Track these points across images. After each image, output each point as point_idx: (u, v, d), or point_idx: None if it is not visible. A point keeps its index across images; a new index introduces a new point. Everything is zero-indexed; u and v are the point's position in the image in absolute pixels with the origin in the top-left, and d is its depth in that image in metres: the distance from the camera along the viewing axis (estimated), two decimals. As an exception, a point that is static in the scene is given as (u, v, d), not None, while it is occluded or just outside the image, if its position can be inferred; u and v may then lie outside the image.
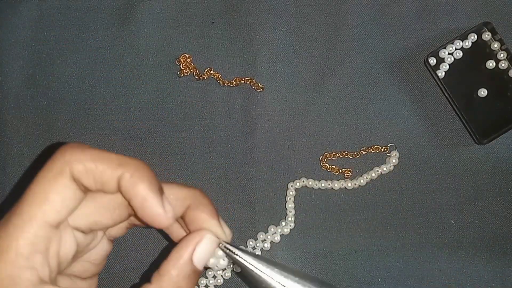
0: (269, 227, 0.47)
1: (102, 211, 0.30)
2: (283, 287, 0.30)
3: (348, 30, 0.48)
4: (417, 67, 0.48)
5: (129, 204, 0.29)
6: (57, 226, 0.28)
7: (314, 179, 0.47)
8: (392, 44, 0.48)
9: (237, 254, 0.31)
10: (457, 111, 0.46)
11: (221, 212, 0.47)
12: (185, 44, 0.49)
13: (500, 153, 0.47)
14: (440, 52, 0.47)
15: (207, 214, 0.31)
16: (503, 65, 0.46)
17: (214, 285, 0.47)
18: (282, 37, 0.48)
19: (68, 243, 0.29)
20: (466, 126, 0.46)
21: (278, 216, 0.47)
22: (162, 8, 0.49)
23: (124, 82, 0.49)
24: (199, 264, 0.30)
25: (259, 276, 0.31)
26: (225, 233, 0.31)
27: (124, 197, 0.29)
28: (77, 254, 0.30)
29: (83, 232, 0.30)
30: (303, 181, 0.47)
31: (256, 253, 0.36)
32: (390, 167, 0.47)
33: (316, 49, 0.48)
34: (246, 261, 0.31)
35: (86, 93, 0.49)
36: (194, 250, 0.30)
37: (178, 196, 0.31)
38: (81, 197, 0.29)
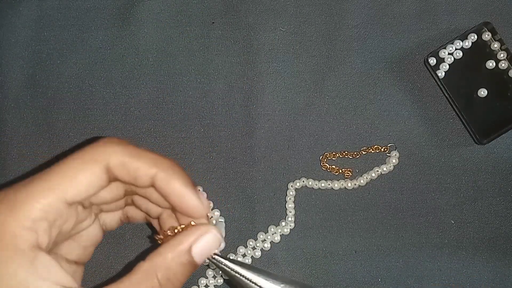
0: (269, 227, 0.47)
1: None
2: None
3: (348, 30, 0.48)
4: (417, 67, 0.48)
5: (165, 199, 0.31)
6: (71, 204, 0.29)
7: (314, 179, 0.47)
8: (392, 44, 0.48)
9: (224, 264, 0.32)
10: (457, 111, 0.46)
11: (221, 212, 0.47)
12: (185, 44, 0.49)
13: (500, 153, 0.47)
14: (440, 52, 0.47)
15: (182, 183, 0.31)
16: (503, 65, 0.46)
17: (214, 285, 0.47)
18: (282, 37, 0.48)
19: (70, 218, 0.30)
20: (466, 126, 0.46)
21: (278, 216, 0.47)
22: (162, 8, 0.49)
23: (124, 82, 0.49)
24: (196, 256, 0.31)
25: (246, 283, 0.31)
26: (205, 204, 0.32)
27: (159, 193, 0.31)
28: (70, 231, 0.31)
29: (82, 206, 0.31)
30: (303, 181, 0.47)
31: (243, 262, 0.36)
32: (390, 167, 0.47)
33: (316, 49, 0.48)
34: (233, 269, 0.32)
35: (86, 93, 0.49)
36: (195, 241, 0.31)
37: (146, 162, 0.31)
38: (105, 185, 0.30)
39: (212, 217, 0.33)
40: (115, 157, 0.30)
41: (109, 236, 0.47)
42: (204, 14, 0.49)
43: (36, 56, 0.49)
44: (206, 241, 0.31)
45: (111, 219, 0.35)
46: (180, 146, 0.48)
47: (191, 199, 0.31)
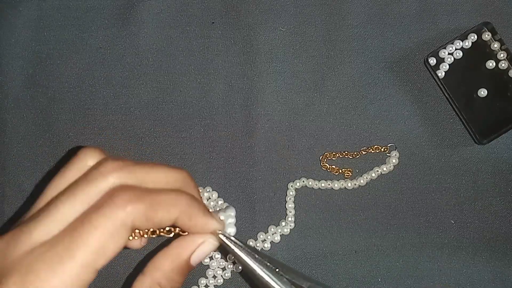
0: (269, 227, 0.47)
1: None
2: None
3: (348, 30, 0.48)
4: (417, 67, 0.48)
5: (184, 229, 0.31)
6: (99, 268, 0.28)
7: (314, 179, 0.47)
8: (392, 44, 0.48)
9: (238, 254, 0.31)
10: (457, 111, 0.46)
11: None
12: (185, 44, 0.49)
13: (500, 153, 0.47)
14: (440, 52, 0.47)
15: (202, 214, 0.31)
16: (503, 65, 0.46)
17: (214, 285, 0.47)
18: (282, 37, 0.48)
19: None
20: (466, 126, 0.46)
21: (278, 216, 0.47)
22: (162, 8, 0.49)
23: (124, 82, 0.49)
24: (195, 263, 0.31)
25: (260, 276, 0.31)
26: (220, 223, 0.32)
27: (181, 227, 0.31)
28: None
29: None
30: (303, 181, 0.47)
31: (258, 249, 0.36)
32: (390, 167, 0.47)
33: (316, 49, 0.48)
34: (246, 261, 0.31)
35: (86, 93, 0.49)
36: (194, 249, 0.31)
37: (168, 180, 0.31)
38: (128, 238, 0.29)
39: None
40: (137, 212, 0.28)
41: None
42: (204, 14, 0.49)
43: (36, 56, 0.49)
44: (204, 250, 0.31)
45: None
46: (180, 146, 0.48)
47: (210, 223, 0.31)
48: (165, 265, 0.30)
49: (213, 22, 0.49)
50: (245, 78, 0.48)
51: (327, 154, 0.48)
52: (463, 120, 0.46)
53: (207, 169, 0.48)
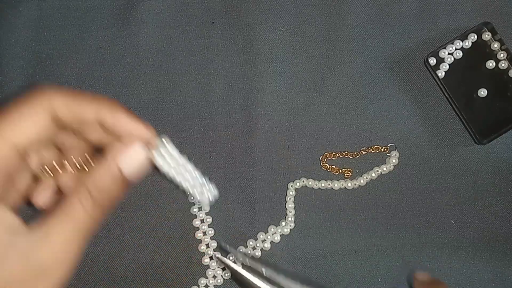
0: (269, 227, 0.47)
1: None
2: None
3: (348, 30, 0.48)
4: (417, 67, 0.48)
5: (112, 130, 0.32)
6: (20, 150, 0.30)
7: (314, 179, 0.47)
8: (392, 44, 0.48)
9: (228, 265, 0.32)
10: (457, 111, 0.46)
11: (221, 212, 0.47)
12: (185, 44, 0.49)
13: (500, 153, 0.47)
14: (440, 52, 0.47)
15: (126, 112, 0.32)
16: (503, 65, 0.46)
17: (214, 285, 0.47)
18: (282, 37, 0.48)
19: (17, 164, 0.31)
20: (466, 126, 0.46)
21: (278, 216, 0.47)
22: (162, 8, 0.49)
23: (124, 82, 0.49)
24: (128, 173, 0.31)
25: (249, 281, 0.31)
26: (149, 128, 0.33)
27: (105, 125, 0.32)
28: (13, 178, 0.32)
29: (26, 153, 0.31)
30: (303, 181, 0.47)
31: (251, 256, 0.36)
32: (390, 167, 0.47)
33: (316, 49, 0.48)
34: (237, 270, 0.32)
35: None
36: (121, 152, 0.31)
37: (89, 100, 0.32)
38: (52, 133, 0.31)
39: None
40: (58, 99, 0.30)
41: (109, 236, 0.47)
42: (204, 14, 0.49)
43: (36, 56, 0.49)
44: (132, 153, 0.32)
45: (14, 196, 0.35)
46: (180, 146, 0.48)
47: (137, 123, 0.32)
48: (97, 175, 0.30)
49: (213, 22, 0.49)
50: (245, 78, 0.48)
51: (327, 154, 0.48)
52: (463, 120, 0.46)
53: (207, 169, 0.48)
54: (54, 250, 0.28)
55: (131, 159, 0.31)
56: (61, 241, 0.28)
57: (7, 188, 0.31)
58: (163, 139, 0.33)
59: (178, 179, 0.35)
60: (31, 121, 0.30)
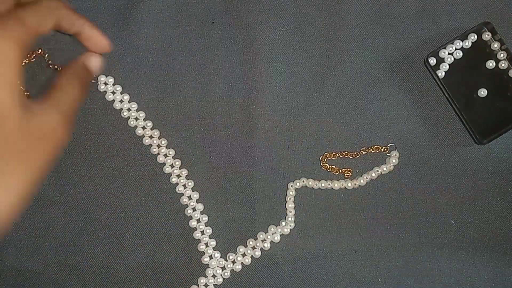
0: (269, 227, 0.47)
1: None
2: None
3: (348, 30, 0.48)
4: (417, 67, 0.48)
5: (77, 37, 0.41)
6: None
7: (314, 179, 0.47)
8: (392, 44, 0.48)
9: None
10: (457, 111, 0.46)
11: (221, 212, 0.47)
12: (185, 44, 0.49)
13: (500, 153, 0.47)
14: (440, 52, 0.47)
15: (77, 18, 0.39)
16: (503, 65, 0.46)
17: (214, 284, 0.47)
18: (282, 37, 0.48)
19: None
20: (466, 126, 0.46)
21: (278, 216, 0.47)
22: (162, 8, 0.49)
23: (124, 82, 0.49)
24: (89, 62, 0.41)
25: None
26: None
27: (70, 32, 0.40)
28: None
29: None
30: (303, 181, 0.47)
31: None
32: (390, 167, 0.47)
33: (316, 49, 0.48)
34: None
35: (86, 93, 0.49)
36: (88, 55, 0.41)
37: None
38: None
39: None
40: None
41: (109, 236, 0.47)
42: (204, 14, 0.49)
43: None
44: (94, 56, 0.41)
45: None
46: (180, 146, 0.48)
47: (100, 38, 0.41)
48: (73, 63, 0.40)
49: (213, 22, 0.49)
50: (245, 78, 0.48)
51: (327, 154, 0.48)
52: (463, 120, 0.46)
53: (207, 169, 0.48)
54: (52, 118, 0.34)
55: (93, 59, 0.41)
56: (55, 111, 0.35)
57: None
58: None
59: None
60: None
